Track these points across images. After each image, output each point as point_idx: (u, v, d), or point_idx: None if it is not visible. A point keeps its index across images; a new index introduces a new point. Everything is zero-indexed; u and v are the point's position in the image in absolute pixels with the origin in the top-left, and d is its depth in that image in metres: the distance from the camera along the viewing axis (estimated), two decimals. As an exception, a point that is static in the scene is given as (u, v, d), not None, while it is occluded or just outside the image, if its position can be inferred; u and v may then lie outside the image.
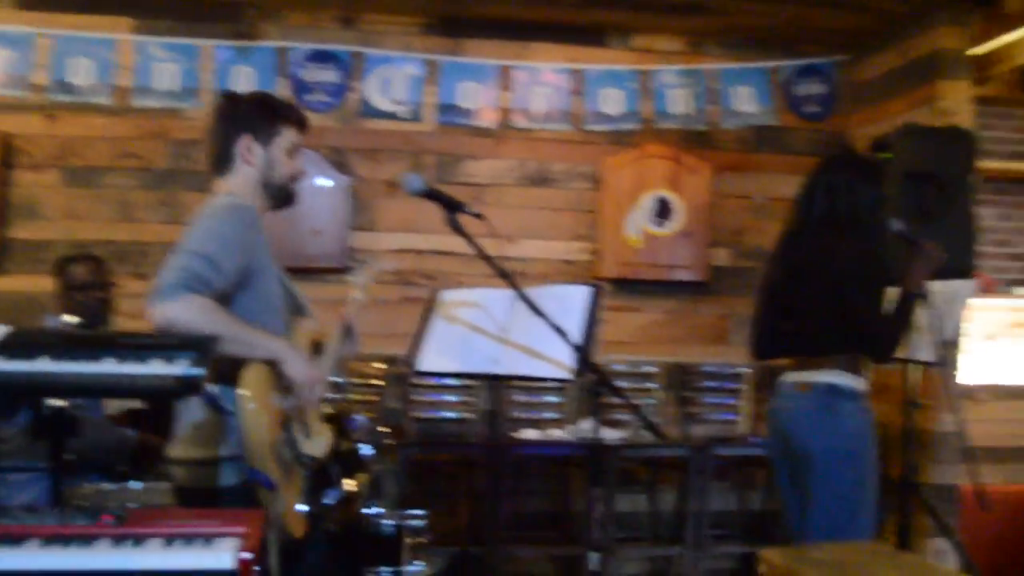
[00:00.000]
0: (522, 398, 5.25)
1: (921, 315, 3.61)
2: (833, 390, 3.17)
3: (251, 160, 2.66)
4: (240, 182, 2.67)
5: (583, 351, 3.04)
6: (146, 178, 5.20)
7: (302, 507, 2.51)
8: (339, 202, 5.24)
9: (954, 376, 3.97)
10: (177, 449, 2.60)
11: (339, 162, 5.31)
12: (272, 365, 2.45)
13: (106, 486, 3.27)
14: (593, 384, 3.11)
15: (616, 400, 3.97)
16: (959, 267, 4.28)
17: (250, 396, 2.34)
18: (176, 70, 5.20)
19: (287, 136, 2.71)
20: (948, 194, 4.55)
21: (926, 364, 3.99)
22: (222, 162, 2.68)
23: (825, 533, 3.10)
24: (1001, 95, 5.47)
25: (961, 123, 4.85)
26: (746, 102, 5.69)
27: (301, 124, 2.77)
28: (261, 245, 2.60)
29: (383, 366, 4.98)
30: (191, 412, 2.57)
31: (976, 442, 4.23)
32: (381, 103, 5.38)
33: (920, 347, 3.79)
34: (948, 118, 4.86)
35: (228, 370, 2.38)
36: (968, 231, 4.55)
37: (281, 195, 2.75)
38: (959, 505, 4.77)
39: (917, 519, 4.25)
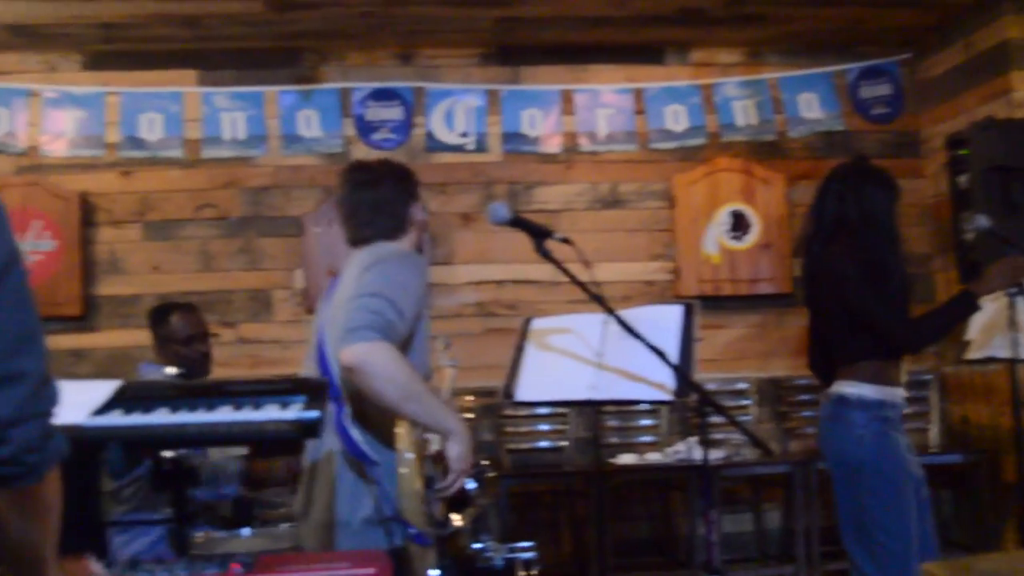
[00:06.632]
0: (614, 423, 5.18)
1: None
2: (841, 400, 3.10)
3: (417, 226, 2.73)
4: (406, 244, 2.71)
5: (683, 371, 2.99)
6: (223, 227, 5.24)
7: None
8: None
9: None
10: (317, 509, 2.56)
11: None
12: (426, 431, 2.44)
13: (216, 534, 3.25)
14: (697, 404, 3.06)
15: (712, 419, 3.89)
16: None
17: (413, 458, 2.34)
18: (242, 118, 5.25)
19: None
20: (1033, 187, 4.44)
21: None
22: (396, 229, 2.68)
23: (856, 538, 3.06)
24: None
25: (1038, 113, 4.75)
26: (812, 109, 5.62)
27: None
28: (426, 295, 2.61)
29: (472, 398, 4.94)
30: (325, 471, 2.55)
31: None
32: (446, 136, 5.39)
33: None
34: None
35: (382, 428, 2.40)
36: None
37: None
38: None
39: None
